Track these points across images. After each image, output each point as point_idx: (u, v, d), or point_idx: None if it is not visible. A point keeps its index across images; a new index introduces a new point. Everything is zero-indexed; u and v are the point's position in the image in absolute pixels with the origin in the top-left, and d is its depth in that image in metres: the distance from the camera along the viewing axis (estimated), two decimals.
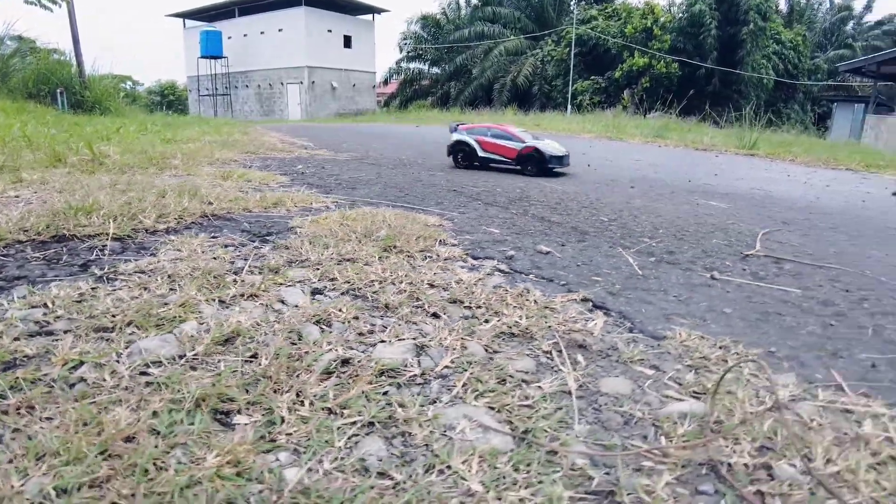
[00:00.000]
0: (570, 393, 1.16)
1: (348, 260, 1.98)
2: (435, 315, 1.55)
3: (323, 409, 1.04)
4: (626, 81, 25.06)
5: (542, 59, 27.05)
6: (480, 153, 5.69)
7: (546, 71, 27.02)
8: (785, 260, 2.43)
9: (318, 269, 1.86)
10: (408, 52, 32.40)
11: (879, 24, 34.21)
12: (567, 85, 25.11)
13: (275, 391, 1.08)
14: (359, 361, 1.24)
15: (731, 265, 2.30)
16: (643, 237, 2.76)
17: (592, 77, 25.60)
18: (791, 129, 25.97)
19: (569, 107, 24.15)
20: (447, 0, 32.96)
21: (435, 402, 1.11)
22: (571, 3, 30.61)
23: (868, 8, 34.59)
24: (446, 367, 1.25)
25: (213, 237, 2.22)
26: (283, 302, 1.57)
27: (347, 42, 32.23)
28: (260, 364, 1.18)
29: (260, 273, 1.80)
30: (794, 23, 31.37)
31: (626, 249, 2.47)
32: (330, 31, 31.04)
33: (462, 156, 5.78)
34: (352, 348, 1.31)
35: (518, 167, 5.62)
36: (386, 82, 33.29)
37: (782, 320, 1.69)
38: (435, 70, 31.98)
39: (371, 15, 33.99)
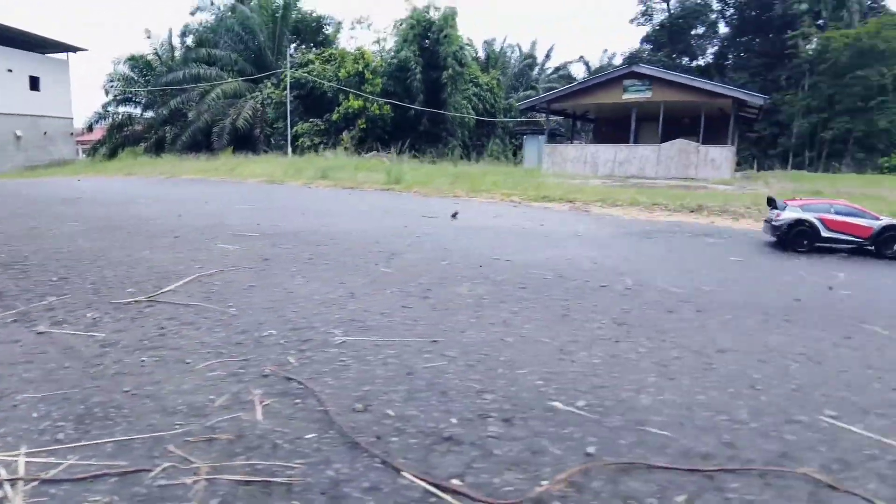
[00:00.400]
0: None
1: None
2: None
3: None
4: (344, 123, 29.14)
5: (262, 102, 29.63)
6: (824, 233, 5.44)
7: (266, 114, 29.71)
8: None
9: None
10: (116, 96, 31.92)
11: (557, 69, 45.90)
12: (286, 128, 28.15)
13: None
14: None
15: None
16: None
17: (312, 119, 29.12)
18: (493, 160, 33.44)
19: (289, 149, 27.14)
20: (159, 40, 33.62)
21: None
22: (289, 46, 34.24)
23: (548, 56, 46.09)
24: None
25: None
26: None
27: (35, 84, 30.35)
28: None
29: None
30: (490, 68, 40.11)
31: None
32: (10, 70, 28.92)
33: (803, 238, 5.47)
34: None
35: (871, 248, 5.43)
36: (90, 128, 32.06)
37: None
38: (149, 114, 32.08)
39: (65, 54, 32.59)
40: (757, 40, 38.05)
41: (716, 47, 40.91)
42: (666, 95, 19.61)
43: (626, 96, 20.03)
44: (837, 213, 5.38)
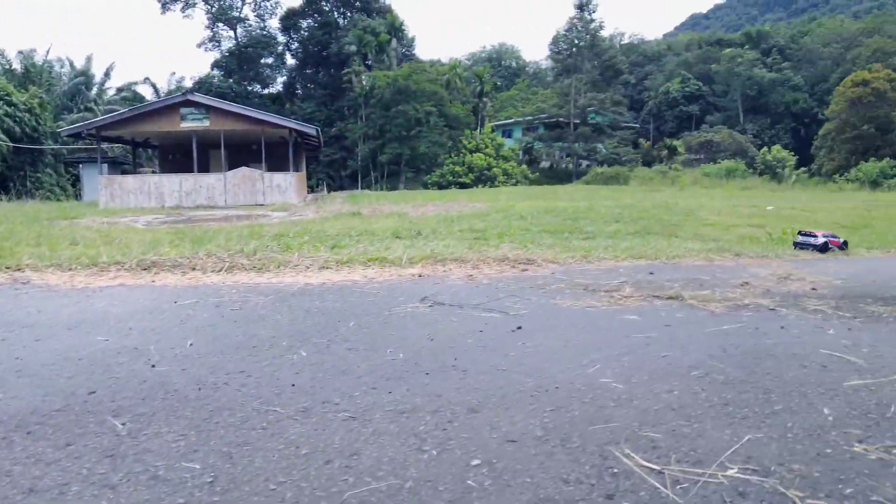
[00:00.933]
0: None
1: None
2: None
3: None
4: None
5: None
6: None
7: None
8: None
9: None
10: None
11: (120, 90, 45.67)
12: None
13: None
14: None
15: None
16: None
17: None
18: (47, 194, 31.51)
19: None
20: None
21: None
22: None
23: (107, 75, 45.31)
24: None
25: None
26: None
27: None
28: None
29: None
30: (30, 84, 37.42)
31: None
32: None
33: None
34: None
35: None
36: None
37: None
38: None
39: None
40: (321, 73, 46.61)
41: (284, 77, 48.12)
42: (225, 124, 22.85)
43: (185, 124, 22.57)
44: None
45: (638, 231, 10.06)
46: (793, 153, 43.80)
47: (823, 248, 7.38)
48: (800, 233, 7.97)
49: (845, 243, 7.64)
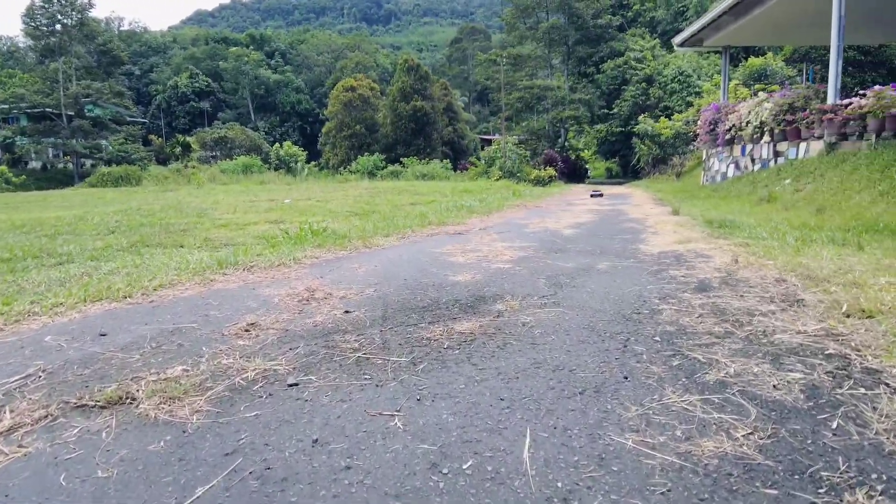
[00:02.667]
0: None
1: None
2: None
3: None
4: None
5: None
6: None
7: None
8: None
9: None
10: None
11: None
12: None
13: None
14: None
15: None
16: None
17: None
18: None
19: None
20: None
21: None
22: None
23: None
24: None
25: None
26: None
27: None
28: None
29: None
30: None
31: None
32: None
33: None
34: None
35: None
36: None
37: None
38: None
39: None
40: None
41: None
42: None
43: None
44: None
45: (134, 244, 7.45)
46: (302, 149, 46.51)
47: None
48: None
49: None
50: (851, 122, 10.77)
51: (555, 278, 4.27)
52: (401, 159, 40.82)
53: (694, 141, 23.16)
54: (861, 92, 10.73)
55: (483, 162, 33.71)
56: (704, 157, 18.98)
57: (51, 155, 45.97)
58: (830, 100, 11.66)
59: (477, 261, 5.14)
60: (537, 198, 17.11)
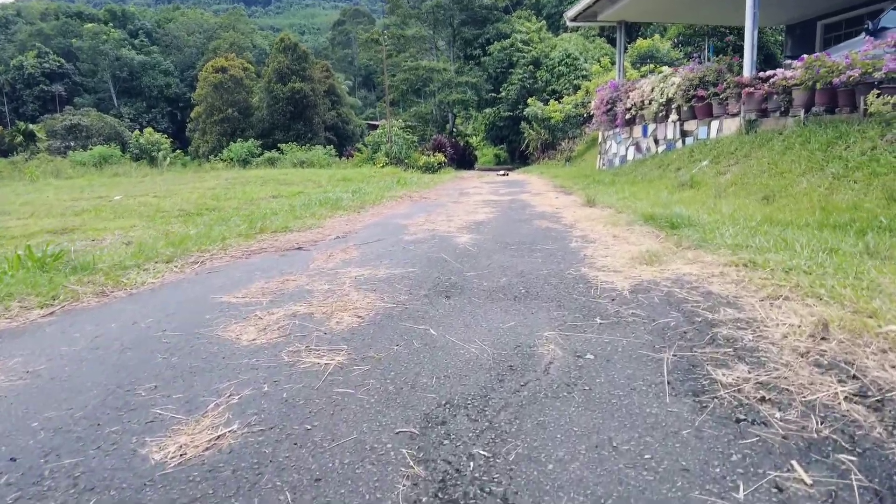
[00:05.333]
0: None
1: None
2: None
3: None
4: None
5: None
6: None
7: None
8: None
9: None
10: None
11: None
12: None
13: None
14: None
15: None
16: None
17: None
18: None
19: None
20: None
21: None
22: None
23: None
24: None
25: None
26: None
27: None
28: None
29: None
30: None
31: None
32: None
33: None
34: None
35: None
36: None
37: None
38: None
39: None
40: None
41: None
42: None
43: None
44: None
45: None
46: (167, 137, 41.11)
47: None
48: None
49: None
50: (775, 96, 9.23)
51: (449, 426, 1.78)
52: (279, 145, 36.89)
53: (585, 124, 21.76)
54: (787, 62, 9.21)
55: (368, 148, 30.82)
56: (600, 139, 17.44)
57: None
58: (747, 72, 10.12)
59: (279, 340, 2.52)
60: (426, 186, 14.69)
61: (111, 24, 72.95)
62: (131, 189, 16.79)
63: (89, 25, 69.70)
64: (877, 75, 7.39)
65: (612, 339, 2.29)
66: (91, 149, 38.76)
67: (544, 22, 38.24)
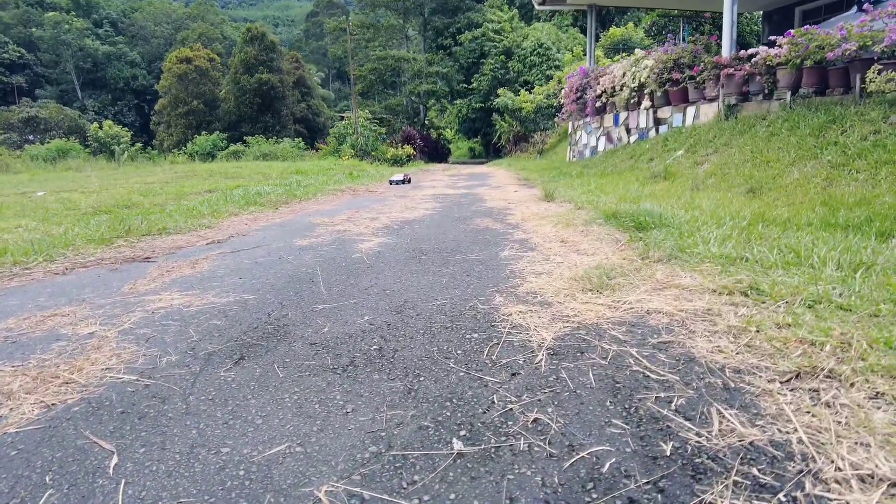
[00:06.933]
0: None
1: None
2: None
3: None
4: None
5: None
6: None
7: None
8: None
9: None
10: None
11: None
12: None
13: None
14: None
15: None
16: None
17: None
18: None
19: None
20: None
21: None
22: None
23: None
24: None
25: None
26: None
27: None
28: None
29: None
30: None
31: None
32: None
33: None
34: None
35: None
36: None
37: None
38: None
39: None
40: None
41: None
42: None
43: None
44: None
45: None
46: (130, 131, 39.07)
47: None
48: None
49: None
50: (757, 77, 8.11)
51: None
52: (245, 138, 35.15)
53: (557, 114, 20.57)
54: (770, 39, 8.10)
55: (335, 140, 29.32)
56: (570, 129, 16.27)
57: None
58: (726, 52, 9.00)
59: None
60: (379, 179, 13.37)
61: (74, 14, 69.98)
62: (70, 185, 15.26)
63: (50, 14, 66.70)
64: (876, 49, 6.26)
65: None
66: (49, 142, 36.71)
67: (516, 11, 36.90)
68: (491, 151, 34.03)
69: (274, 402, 1.55)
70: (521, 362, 1.67)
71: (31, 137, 42.15)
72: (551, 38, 30.73)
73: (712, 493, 1.02)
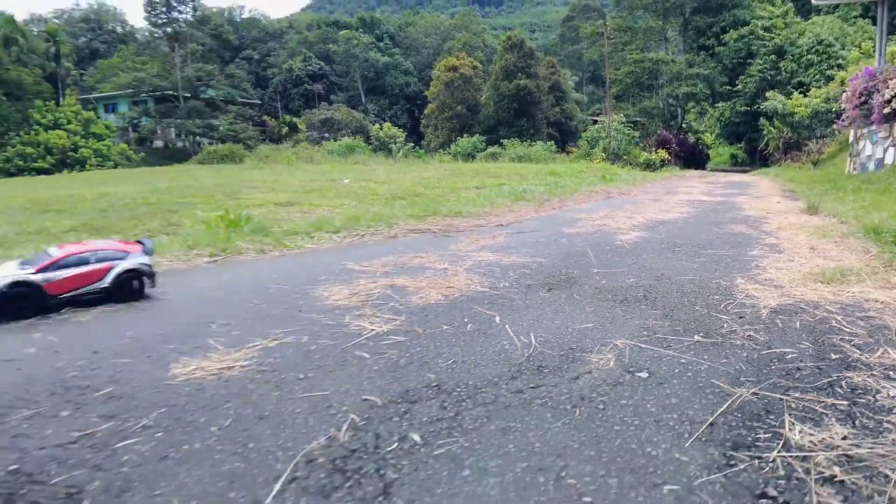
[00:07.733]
0: None
1: None
2: None
3: None
4: None
5: None
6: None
7: None
8: None
9: None
10: None
11: None
12: None
13: None
14: None
15: None
16: None
17: None
18: None
19: None
20: None
21: None
22: None
23: None
24: None
25: None
26: None
27: None
28: None
29: None
30: None
31: None
32: None
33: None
34: None
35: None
36: None
37: None
38: None
39: None
40: None
41: None
42: None
43: None
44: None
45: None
46: (402, 130, 45.02)
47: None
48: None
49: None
50: None
51: None
52: (501, 141, 38.04)
53: (837, 121, 18.51)
54: None
55: (587, 143, 30.15)
56: (852, 138, 14.71)
57: (173, 135, 47.93)
58: None
59: (354, 305, 2.80)
60: (633, 183, 13.93)
61: (361, 30, 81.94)
62: (362, 175, 18.86)
63: (343, 32, 79.20)
64: None
65: (690, 361, 1.94)
66: (340, 140, 44.37)
67: (791, 5, 33.26)
68: (756, 159, 31.43)
69: (579, 309, 2.61)
70: (748, 313, 2.47)
71: (326, 135, 50.99)
72: (834, 33, 27.24)
73: (858, 377, 1.75)
